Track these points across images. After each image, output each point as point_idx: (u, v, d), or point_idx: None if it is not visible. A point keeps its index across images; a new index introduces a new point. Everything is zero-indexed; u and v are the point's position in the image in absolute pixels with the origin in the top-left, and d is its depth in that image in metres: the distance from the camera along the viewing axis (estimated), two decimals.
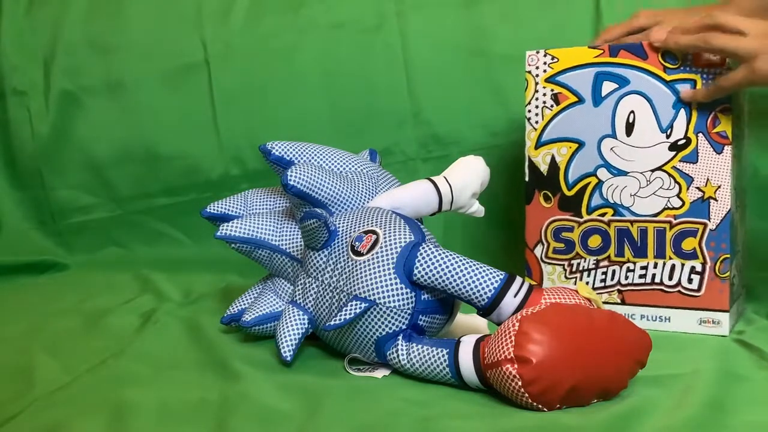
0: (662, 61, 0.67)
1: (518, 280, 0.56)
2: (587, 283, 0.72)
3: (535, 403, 0.48)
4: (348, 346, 0.60)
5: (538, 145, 0.72)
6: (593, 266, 0.71)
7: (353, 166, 0.71)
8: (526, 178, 0.73)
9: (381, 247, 0.58)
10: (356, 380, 0.56)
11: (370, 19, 1.00)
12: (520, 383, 0.48)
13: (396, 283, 0.56)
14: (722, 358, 0.61)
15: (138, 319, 0.75)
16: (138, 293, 0.87)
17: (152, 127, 1.07)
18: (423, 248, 0.58)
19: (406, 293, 0.57)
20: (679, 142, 0.67)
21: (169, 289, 0.87)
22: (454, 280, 0.55)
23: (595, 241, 0.71)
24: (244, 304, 0.69)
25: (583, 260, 0.72)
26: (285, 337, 0.60)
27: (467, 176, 0.67)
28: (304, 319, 0.61)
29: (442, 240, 0.96)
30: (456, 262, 0.56)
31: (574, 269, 0.72)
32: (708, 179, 0.67)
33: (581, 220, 0.71)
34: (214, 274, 0.95)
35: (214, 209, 0.72)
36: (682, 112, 0.67)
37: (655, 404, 0.49)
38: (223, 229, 0.68)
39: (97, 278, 0.96)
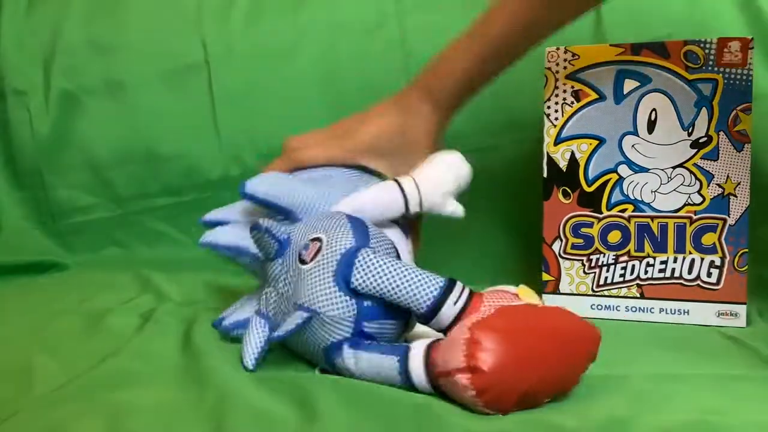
0: (684, 60, 0.69)
1: (458, 286, 0.54)
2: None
3: (489, 411, 0.48)
4: (305, 354, 0.59)
5: (558, 141, 0.73)
6: (612, 261, 0.72)
7: (336, 172, 0.69)
8: (545, 174, 0.74)
9: (323, 255, 0.57)
10: (353, 382, 0.56)
11: (370, 19, 1.00)
12: (473, 392, 0.47)
13: (334, 292, 0.55)
14: (720, 358, 0.61)
15: (138, 319, 0.75)
16: (138, 293, 0.87)
17: (152, 127, 1.06)
18: (361, 254, 0.56)
19: (345, 301, 0.55)
20: (701, 140, 0.69)
21: (169, 289, 0.87)
22: (392, 288, 0.54)
23: (614, 237, 0.72)
24: (234, 310, 0.69)
25: (602, 255, 0.72)
26: (248, 346, 0.59)
27: (438, 174, 0.65)
28: (265, 328, 0.60)
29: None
30: (394, 269, 0.54)
31: (593, 264, 0.73)
32: (728, 176, 0.69)
33: (601, 216, 0.72)
34: (214, 275, 0.95)
35: (211, 217, 0.72)
36: (704, 111, 0.69)
37: (654, 404, 0.49)
38: (206, 237, 0.67)
39: (97, 278, 0.96)
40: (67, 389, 0.55)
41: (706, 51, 0.69)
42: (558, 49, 0.73)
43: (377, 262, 0.55)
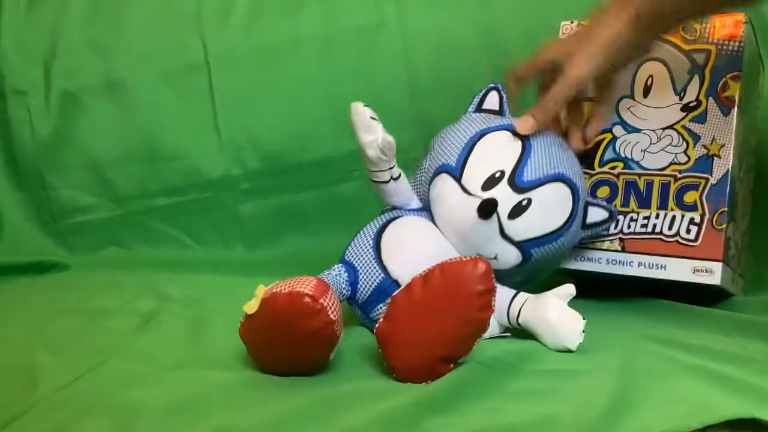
0: (682, 33, 0.74)
1: None
2: None
3: None
4: None
5: None
6: None
7: None
8: None
9: None
10: (363, 384, 0.56)
11: (371, 20, 1.00)
12: None
13: None
14: (714, 352, 0.61)
15: (139, 320, 0.75)
16: (139, 293, 0.87)
17: (153, 127, 1.07)
18: None
19: None
20: (691, 104, 0.72)
21: (171, 290, 0.87)
22: None
23: (603, 192, 0.75)
24: None
25: None
26: None
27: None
28: None
29: None
30: None
31: None
32: (714, 138, 0.71)
33: (593, 172, 0.76)
34: (215, 275, 0.95)
35: None
36: (696, 78, 0.73)
37: (647, 400, 0.50)
38: None
39: (98, 278, 0.96)
40: (72, 389, 0.55)
41: (703, 25, 0.72)
42: (572, 23, 0.79)
43: None
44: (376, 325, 0.56)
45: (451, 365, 0.54)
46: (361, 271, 0.67)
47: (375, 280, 0.66)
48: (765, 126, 0.82)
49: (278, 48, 1.03)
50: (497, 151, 0.69)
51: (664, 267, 0.72)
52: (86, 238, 1.09)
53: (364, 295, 0.66)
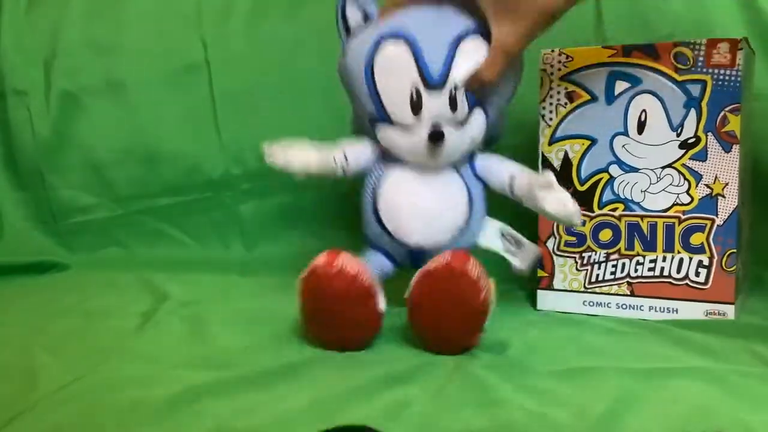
0: (674, 62, 0.69)
1: None
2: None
3: None
4: None
5: (552, 141, 0.74)
6: (604, 259, 0.73)
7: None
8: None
9: None
10: (356, 379, 0.56)
11: None
12: None
13: None
14: (714, 353, 0.61)
15: (139, 319, 0.75)
16: (139, 293, 0.87)
17: (153, 127, 1.07)
18: None
19: None
20: (689, 141, 0.69)
21: (171, 289, 0.87)
22: None
23: (605, 235, 0.73)
24: None
25: (594, 253, 0.73)
26: None
27: None
28: None
29: None
30: None
31: (585, 262, 0.74)
32: (716, 176, 0.69)
33: (593, 214, 0.73)
34: (215, 274, 0.95)
35: None
36: (693, 112, 0.69)
37: (648, 399, 0.50)
38: None
39: (98, 278, 0.96)
40: (71, 389, 0.55)
41: (696, 52, 0.68)
42: (553, 51, 0.73)
43: None
44: (408, 293, 0.63)
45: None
46: (389, 248, 0.72)
47: (404, 252, 0.72)
48: (761, 123, 0.81)
49: (278, 48, 1.03)
50: (394, 73, 0.66)
51: (676, 310, 0.71)
52: (86, 238, 1.09)
53: (407, 261, 0.72)
